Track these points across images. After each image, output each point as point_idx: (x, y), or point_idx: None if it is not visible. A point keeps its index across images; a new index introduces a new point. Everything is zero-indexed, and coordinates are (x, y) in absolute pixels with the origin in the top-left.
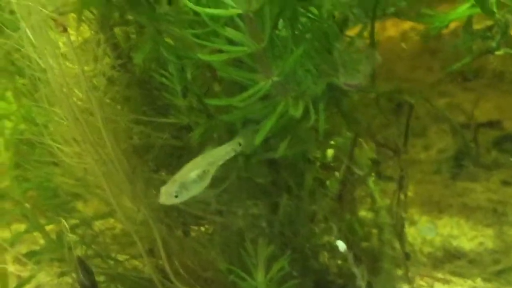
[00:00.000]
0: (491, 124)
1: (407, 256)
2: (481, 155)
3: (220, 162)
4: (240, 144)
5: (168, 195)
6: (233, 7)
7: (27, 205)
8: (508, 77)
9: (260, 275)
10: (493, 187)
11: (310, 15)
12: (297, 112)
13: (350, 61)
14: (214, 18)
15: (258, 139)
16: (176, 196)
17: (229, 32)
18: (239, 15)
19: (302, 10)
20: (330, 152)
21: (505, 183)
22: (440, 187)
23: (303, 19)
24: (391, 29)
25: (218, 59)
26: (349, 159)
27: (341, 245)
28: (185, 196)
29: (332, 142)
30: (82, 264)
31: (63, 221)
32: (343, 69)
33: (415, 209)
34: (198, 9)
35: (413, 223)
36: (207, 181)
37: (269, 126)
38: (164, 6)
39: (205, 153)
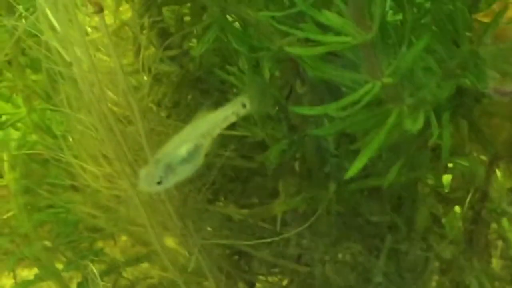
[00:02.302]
0: None
1: None
2: None
3: (217, 132)
4: (244, 106)
5: (149, 180)
6: None
7: (38, 243)
8: None
9: None
10: None
11: None
12: (416, 125)
13: (495, 56)
14: None
15: (362, 161)
16: (160, 182)
17: (326, 16)
18: None
19: None
20: (447, 178)
21: None
22: None
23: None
24: None
25: (310, 54)
26: (484, 187)
27: None
28: (171, 181)
29: (450, 165)
30: None
31: (90, 265)
32: (493, 70)
33: None
34: None
35: None
36: (200, 159)
37: (376, 144)
38: None
39: (196, 121)
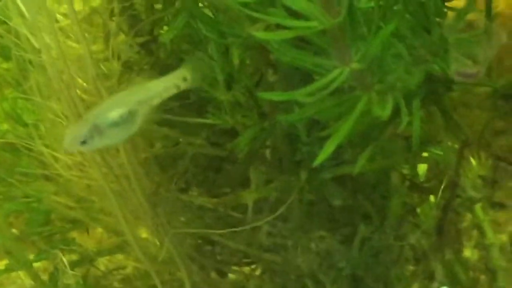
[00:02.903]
0: None
1: None
2: None
3: (155, 102)
4: (185, 79)
5: (74, 139)
6: None
7: (10, 233)
8: None
9: None
10: None
11: None
12: (385, 112)
13: (460, 42)
14: None
15: (330, 148)
16: (84, 142)
17: (294, 1)
18: None
19: None
20: (422, 167)
21: None
22: None
23: None
24: None
25: (277, 38)
26: (454, 176)
27: None
28: (98, 143)
29: (425, 154)
30: None
31: (61, 255)
32: (456, 54)
33: None
34: None
35: None
36: (134, 125)
37: (345, 131)
38: None
39: (135, 87)
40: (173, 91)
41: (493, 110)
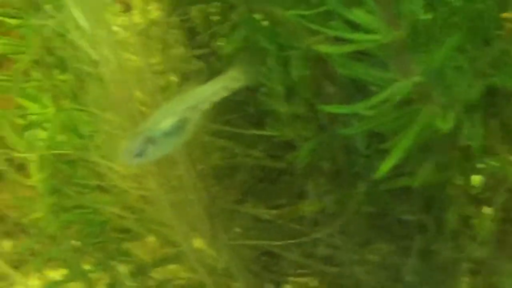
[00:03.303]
0: None
1: None
2: None
3: (205, 106)
4: (234, 79)
5: (128, 152)
6: None
7: (66, 244)
8: None
9: None
10: None
11: None
12: (447, 125)
13: None
14: None
15: (391, 161)
16: (139, 154)
17: (356, 14)
18: None
19: None
20: (476, 179)
21: None
22: None
23: None
24: None
25: (340, 51)
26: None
27: None
28: (153, 154)
29: (481, 166)
30: None
31: (118, 266)
32: None
33: None
34: None
35: None
36: (186, 133)
37: (406, 144)
38: None
39: (184, 94)
40: (223, 93)
41: None
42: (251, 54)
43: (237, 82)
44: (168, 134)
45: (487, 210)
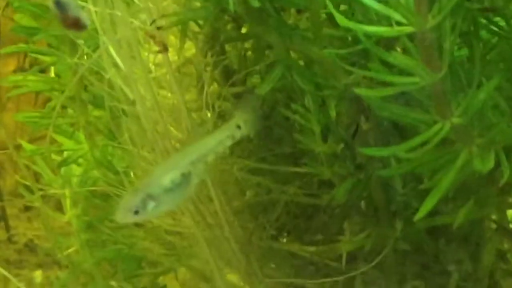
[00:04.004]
0: None
1: None
2: None
3: (210, 158)
4: (239, 127)
5: (125, 209)
6: (401, 23)
7: (102, 282)
8: None
9: None
10: None
11: (495, 28)
12: (486, 166)
13: None
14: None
15: (432, 201)
16: (137, 212)
17: (394, 56)
18: (409, 34)
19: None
20: (511, 213)
21: None
22: None
23: (484, 35)
24: None
25: (382, 95)
26: None
27: None
28: (153, 211)
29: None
30: None
31: None
32: None
33: None
34: (352, 25)
35: None
36: (190, 187)
37: (446, 185)
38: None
39: (186, 147)
40: (229, 142)
41: None
42: (253, 99)
43: (241, 130)
44: (169, 190)
45: None
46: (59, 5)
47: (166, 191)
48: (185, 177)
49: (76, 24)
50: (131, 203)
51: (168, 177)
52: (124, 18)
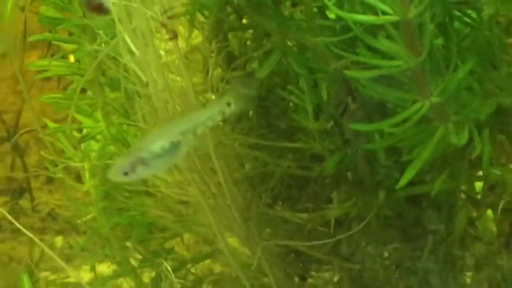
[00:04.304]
0: None
1: None
2: None
3: (199, 131)
4: (229, 104)
5: (116, 170)
6: (386, 13)
7: (117, 243)
8: None
9: None
10: None
11: (467, 19)
12: (461, 140)
13: None
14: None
15: (411, 172)
16: (129, 173)
17: (381, 42)
18: (393, 22)
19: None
20: (478, 185)
21: None
22: None
23: (458, 25)
24: None
25: (366, 76)
26: None
27: None
28: (142, 173)
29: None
30: None
31: (165, 263)
32: None
33: None
34: (344, 14)
35: None
36: (178, 155)
37: (424, 157)
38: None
39: (179, 118)
40: (219, 118)
41: None
42: (245, 79)
43: (232, 107)
44: (158, 156)
45: (489, 212)
46: None
47: (155, 156)
48: (174, 145)
49: (99, 8)
50: (122, 165)
51: (158, 144)
52: (139, 9)
